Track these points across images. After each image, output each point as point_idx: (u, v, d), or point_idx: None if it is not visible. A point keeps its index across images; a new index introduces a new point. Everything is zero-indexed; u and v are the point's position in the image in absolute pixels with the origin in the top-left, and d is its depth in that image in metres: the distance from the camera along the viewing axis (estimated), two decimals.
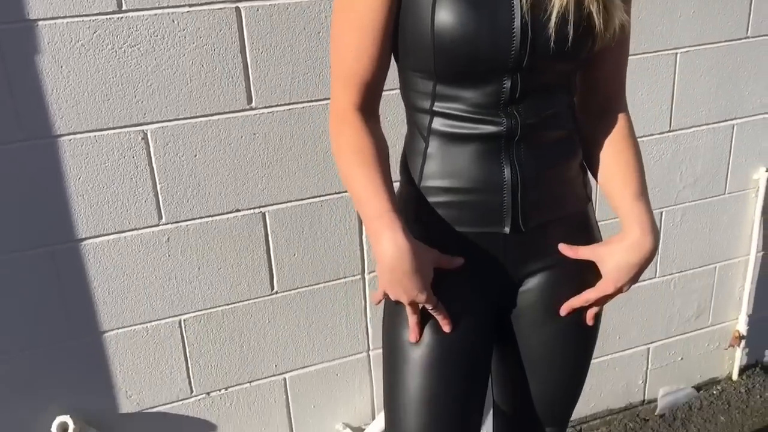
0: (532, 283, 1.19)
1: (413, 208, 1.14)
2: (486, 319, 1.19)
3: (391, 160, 1.74)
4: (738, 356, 2.39)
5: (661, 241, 2.11)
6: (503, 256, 1.15)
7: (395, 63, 1.13)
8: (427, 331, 1.14)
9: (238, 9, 1.50)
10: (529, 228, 1.13)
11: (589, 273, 1.17)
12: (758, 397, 2.36)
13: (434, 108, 1.09)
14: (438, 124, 1.10)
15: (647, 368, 2.27)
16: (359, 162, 1.08)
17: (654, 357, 2.27)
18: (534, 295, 1.19)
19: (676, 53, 1.92)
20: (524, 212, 1.12)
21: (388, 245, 1.03)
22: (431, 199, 1.12)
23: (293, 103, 1.61)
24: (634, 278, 1.15)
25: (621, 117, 1.19)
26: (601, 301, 1.20)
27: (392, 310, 1.18)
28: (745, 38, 1.97)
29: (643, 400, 2.32)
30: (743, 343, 2.36)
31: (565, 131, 1.15)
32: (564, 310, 1.19)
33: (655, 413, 2.32)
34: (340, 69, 1.09)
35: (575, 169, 1.18)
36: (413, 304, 1.09)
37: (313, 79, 1.60)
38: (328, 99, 1.61)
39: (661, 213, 2.08)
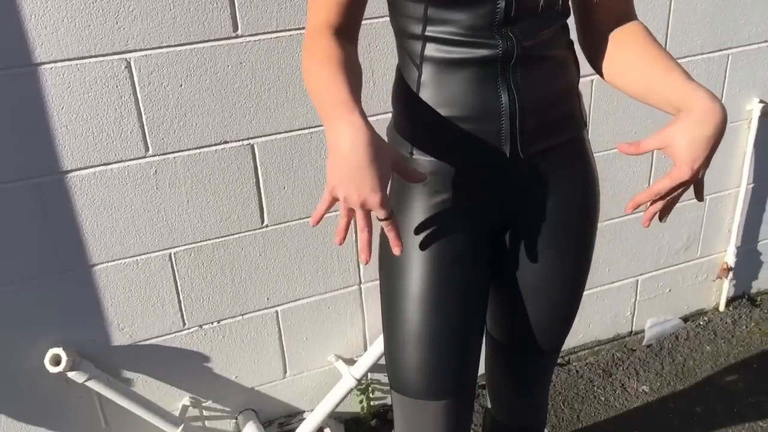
0: (528, 211, 1.18)
1: (408, 139, 1.12)
2: (483, 251, 1.18)
3: (383, 91, 1.71)
4: (725, 288, 2.41)
5: (652, 173, 2.11)
6: (501, 184, 1.13)
7: None
8: (424, 265, 1.13)
9: None
10: (527, 155, 1.11)
11: (589, 199, 1.16)
12: (744, 327, 2.40)
13: (426, 33, 1.06)
14: (431, 50, 1.07)
15: (635, 300, 2.30)
16: (325, 63, 1.00)
17: (642, 289, 2.29)
18: (529, 224, 1.18)
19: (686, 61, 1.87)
20: (523, 138, 1.10)
21: (344, 129, 0.89)
22: (427, 129, 1.10)
23: (281, 31, 1.57)
24: (710, 156, 0.98)
25: (638, 23, 1.13)
26: (675, 192, 1.02)
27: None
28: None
29: (631, 331, 2.35)
30: (731, 274, 2.38)
31: (562, 54, 1.12)
32: (630, 206, 1.03)
33: (642, 344, 2.36)
34: None
35: (572, 93, 1.16)
36: (364, 210, 0.92)
37: (302, 6, 1.56)
38: None
39: None
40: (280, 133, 1.67)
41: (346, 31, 1.07)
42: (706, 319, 2.43)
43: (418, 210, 1.14)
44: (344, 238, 0.96)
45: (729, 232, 2.33)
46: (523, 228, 1.19)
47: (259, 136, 1.65)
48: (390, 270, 1.17)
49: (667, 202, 1.04)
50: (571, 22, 1.14)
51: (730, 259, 2.35)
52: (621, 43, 1.11)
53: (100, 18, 1.42)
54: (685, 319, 2.42)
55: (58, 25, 1.40)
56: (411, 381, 1.17)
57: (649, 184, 2.11)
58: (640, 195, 1.02)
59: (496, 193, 1.14)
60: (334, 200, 0.94)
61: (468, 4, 1.02)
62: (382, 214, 0.93)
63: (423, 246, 1.12)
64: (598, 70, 1.15)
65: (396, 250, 0.98)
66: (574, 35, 1.17)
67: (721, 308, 2.45)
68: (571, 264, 1.22)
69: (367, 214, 0.93)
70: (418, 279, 1.13)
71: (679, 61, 1.94)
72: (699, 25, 1.95)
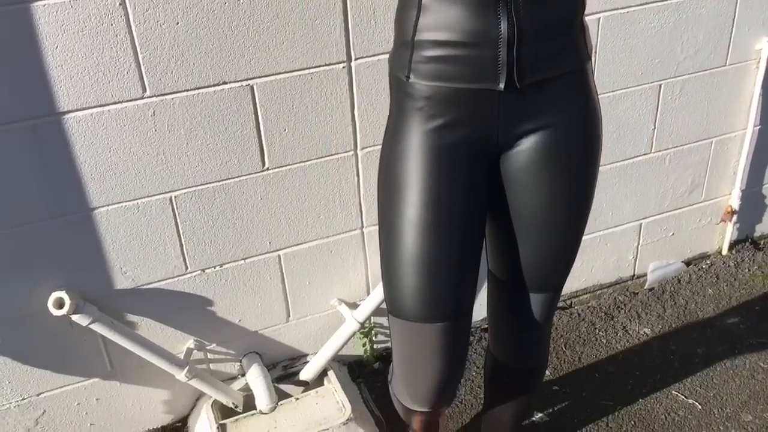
0: (527, 143, 1.16)
1: (406, 63, 1.11)
2: (480, 180, 1.17)
3: (385, 30, 1.67)
4: (729, 231, 2.41)
5: (658, 115, 2.07)
6: (497, 113, 1.12)
7: None
8: (420, 191, 1.12)
9: None
10: (524, 85, 1.09)
11: (590, 131, 1.15)
12: (746, 270, 2.40)
13: None
14: None
15: (638, 244, 2.29)
16: None
17: (645, 232, 2.28)
18: (528, 157, 1.17)
19: None
20: (520, 68, 1.08)
21: None
22: (425, 53, 1.09)
23: None
24: None
25: None
26: None
27: (388, 170, 1.16)
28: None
29: (633, 275, 2.35)
30: (735, 218, 2.37)
31: None
32: None
33: (644, 287, 2.36)
34: None
35: (576, 24, 1.13)
36: None
37: None
38: None
39: (660, 86, 2.03)
40: (279, 73, 1.63)
41: None
42: (708, 262, 2.43)
43: (414, 134, 1.14)
44: None
45: (734, 174, 2.31)
46: (520, 158, 1.18)
47: (259, 77, 1.62)
48: (387, 194, 1.18)
49: None
50: None
51: (735, 202, 2.33)
52: None
53: None
54: (688, 263, 2.42)
55: None
56: (408, 304, 1.17)
57: (654, 126, 2.08)
58: None
59: (493, 120, 1.13)
60: None
61: None
62: None
63: (419, 170, 1.12)
64: None
65: None
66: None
67: (724, 251, 2.45)
68: (572, 198, 1.21)
69: None
70: (414, 202, 1.13)
71: None
72: None
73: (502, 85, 1.08)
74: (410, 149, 1.14)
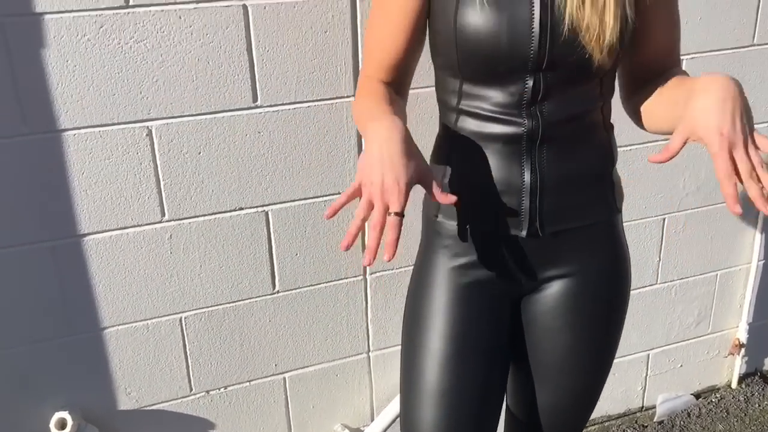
0: (551, 289, 1.18)
1: (435, 204, 1.16)
2: (504, 317, 1.19)
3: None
4: (737, 364, 2.38)
5: (662, 247, 2.11)
6: (521, 259, 1.15)
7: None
8: (444, 324, 1.14)
9: (245, 7, 1.49)
10: (547, 234, 1.13)
11: (611, 283, 1.17)
12: (757, 405, 2.36)
13: (461, 106, 1.11)
14: (463, 122, 1.12)
15: (646, 374, 2.27)
16: (370, 96, 1.09)
17: (653, 363, 2.26)
18: (552, 302, 1.19)
19: (683, 59, 1.91)
20: (543, 218, 1.12)
21: (383, 125, 0.96)
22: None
23: (298, 102, 1.61)
24: (735, 114, 0.93)
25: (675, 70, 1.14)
26: (743, 162, 0.93)
27: (414, 303, 1.18)
28: (752, 46, 1.96)
29: (642, 407, 2.31)
30: (743, 351, 2.35)
31: (594, 135, 1.14)
32: (731, 201, 0.93)
33: (654, 420, 2.31)
34: (370, 53, 1.15)
35: (605, 178, 1.17)
36: (383, 201, 0.92)
37: (319, 78, 1.60)
38: (334, 98, 1.63)
39: (664, 219, 2.07)
40: (294, 200, 1.69)
41: (395, 85, 1.15)
42: (718, 396, 2.39)
43: (440, 270, 1.17)
44: (352, 243, 0.93)
45: (740, 307, 2.32)
46: (543, 302, 1.20)
47: (274, 203, 1.67)
48: (411, 326, 1.20)
49: (754, 175, 0.93)
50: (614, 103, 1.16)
51: (742, 335, 2.33)
52: (653, 89, 1.11)
53: (125, 88, 1.46)
54: (697, 396, 2.38)
55: (84, 93, 1.44)
56: None
57: (660, 258, 2.11)
58: (725, 190, 0.93)
59: (517, 264, 1.16)
60: (356, 192, 0.96)
61: (498, 82, 1.06)
62: (397, 205, 0.93)
63: (443, 304, 1.14)
64: (640, 125, 1.16)
65: (386, 256, 0.92)
66: (615, 118, 1.18)
67: (734, 385, 2.41)
68: (593, 345, 1.22)
69: (385, 209, 0.93)
70: (438, 335, 1.15)
71: None
72: None
73: (524, 233, 1.12)
74: (435, 284, 1.17)
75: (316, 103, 1.62)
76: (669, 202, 2.06)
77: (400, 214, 0.93)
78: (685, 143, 0.97)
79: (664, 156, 0.98)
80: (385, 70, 1.13)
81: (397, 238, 0.93)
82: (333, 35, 1.57)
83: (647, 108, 1.12)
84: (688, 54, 1.90)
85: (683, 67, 1.18)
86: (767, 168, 0.93)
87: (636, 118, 1.17)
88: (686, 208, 2.09)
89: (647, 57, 1.14)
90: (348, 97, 1.64)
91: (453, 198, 0.97)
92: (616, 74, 1.17)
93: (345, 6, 1.56)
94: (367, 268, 1.81)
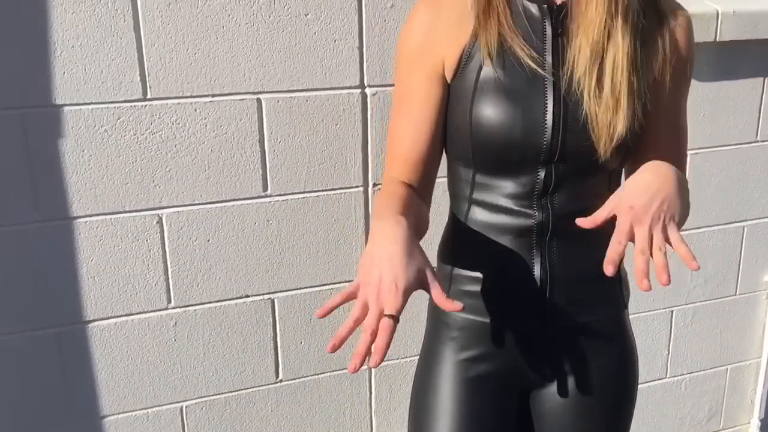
0: (558, 383, 1.17)
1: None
2: (510, 412, 1.18)
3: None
4: None
5: (671, 340, 2.09)
6: (529, 353, 1.15)
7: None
8: (451, 420, 1.13)
9: (259, 100, 1.53)
10: (556, 328, 1.12)
11: (619, 378, 1.16)
12: None
13: (473, 196, 1.13)
14: (475, 213, 1.13)
15: None
16: (388, 196, 1.08)
17: None
18: (559, 398, 1.17)
19: (688, 155, 1.94)
20: (552, 312, 1.11)
21: (386, 225, 0.94)
22: (461, 287, 1.14)
23: (308, 192, 1.63)
24: (653, 196, 0.94)
25: None
26: (641, 238, 0.95)
27: (419, 395, 1.17)
28: (755, 142, 2.00)
29: None
30: None
31: (603, 230, 1.14)
32: (610, 267, 0.95)
33: None
34: (394, 149, 1.15)
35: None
36: (379, 303, 0.89)
37: (329, 169, 1.62)
38: (342, 188, 1.65)
39: (672, 312, 2.06)
40: (301, 288, 1.69)
41: (419, 185, 1.14)
42: None
43: (447, 362, 1.16)
44: (340, 345, 0.88)
45: (752, 403, 2.27)
46: (551, 396, 1.19)
47: (281, 291, 1.67)
48: (417, 419, 1.18)
49: (650, 253, 0.94)
50: None
51: (754, 431, 2.27)
52: None
53: (138, 177, 1.48)
54: None
55: (98, 182, 1.46)
56: None
57: (668, 351, 2.09)
58: (611, 250, 0.95)
59: (524, 358, 1.15)
60: (353, 293, 0.92)
61: (510, 173, 1.08)
62: (392, 308, 0.87)
63: (450, 399, 1.13)
64: None
65: (371, 362, 0.87)
66: None
67: None
68: None
69: (379, 313, 0.88)
70: (445, 415, 1.13)
71: (695, 230, 1.98)
72: (714, 197, 2.00)
73: (533, 327, 1.12)
74: (442, 376, 1.17)
75: (325, 193, 1.64)
76: (676, 295, 2.05)
77: (395, 318, 0.88)
78: (611, 216, 0.98)
79: (587, 223, 1.00)
80: (409, 167, 1.12)
81: (388, 344, 0.87)
82: (344, 127, 1.61)
83: None
84: (692, 149, 1.93)
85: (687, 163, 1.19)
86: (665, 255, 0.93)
87: None
88: (694, 301, 2.08)
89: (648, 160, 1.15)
90: (357, 187, 1.66)
91: (459, 305, 0.93)
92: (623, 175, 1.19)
93: (356, 99, 1.60)
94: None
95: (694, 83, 0.99)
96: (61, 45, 1.37)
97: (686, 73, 1.13)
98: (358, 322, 0.90)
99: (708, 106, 1.91)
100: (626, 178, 1.21)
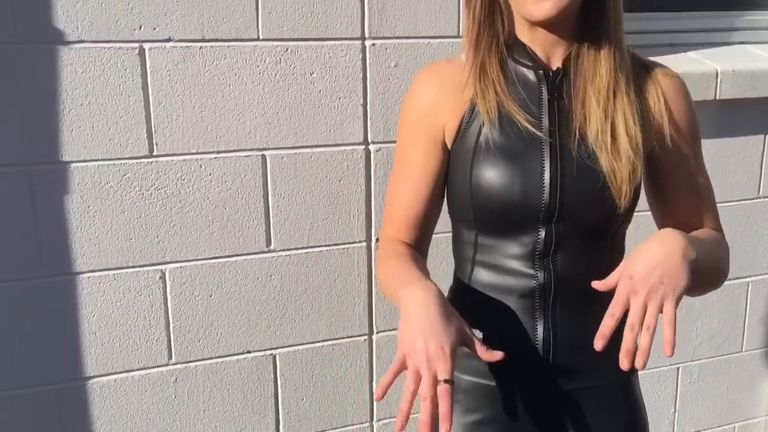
0: None
1: None
2: None
3: None
4: None
5: (678, 397, 2.06)
6: (535, 416, 1.13)
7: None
8: None
9: (264, 156, 1.55)
10: (561, 392, 1.11)
11: None
12: None
13: (476, 258, 1.13)
14: (478, 274, 1.13)
15: None
16: (393, 258, 1.10)
17: None
18: None
19: None
20: (556, 375, 1.10)
21: (417, 291, 0.97)
22: (467, 348, 1.13)
23: (311, 247, 1.63)
24: (654, 267, 0.94)
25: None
26: (634, 313, 0.95)
27: None
28: (757, 198, 2.00)
29: None
30: None
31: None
32: (600, 342, 0.96)
33: None
34: (392, 211, 1.17)
35: (619, 334, 1.17)
36: (431, 369, 0.91)
37: (332, 224, 1.63)
38: (346, 243, 1.66)
39: (678, 369, 2.03)
40: (303, 344, 1.67)
41: (416, 244, 1.16)
42: None
43: (453, 427, 1.13)
44: (405, 422, 0.90)
45: None
46: None
47: (282, 347, 1.66)
48: None
49: (636, 329, 0.94)
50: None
51: None
52: None
53: (142, 232, 1.49)
54: None
55: (102, 238, 1.47)
56: None
57: (675, 408, 2.05)
58: (603, 324, 0.96)
59: (531, 421, 1.13)
60: (402, 366, 0.93)
61: (513, 232, 1.08)
62: (446, 372, 0.90)
63: None
64: None
65: (442, 429, 0.89)
66: None
67: None
68: None
69: (433, 378, 0.90)
70: None
71: None
72: None
73: (538, 390, 1.11)
74: None
75: (328, 248, 1.65)
76: (682, 352, 2.02)
77: (450, 381, 0.91)
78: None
79: (601, 286, 1.00)
80: (408, 228, 1.15)
81: (452, 407, 0.90)
82: (347, 183, 1.62)
83: None
84: None
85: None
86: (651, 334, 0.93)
87: None
88: (700, 358, 2.06)
89: (674, 224, 1.14)
90: (360, 242, 1.66)
91: (499, 354, 0.97)
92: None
93: (359, 156, 1.62)
94: (374, 414, 1.77)
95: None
96: (70, 103, 1.40)
97: (691, 131, 1.15)
98: (414, 393, 0.92)
99: (709, 163, 1.89)
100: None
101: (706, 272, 1.03)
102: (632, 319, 0.95)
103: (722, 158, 1.93)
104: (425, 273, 1.06)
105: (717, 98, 1.82)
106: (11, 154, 1.38)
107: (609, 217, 1.08)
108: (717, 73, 1.81)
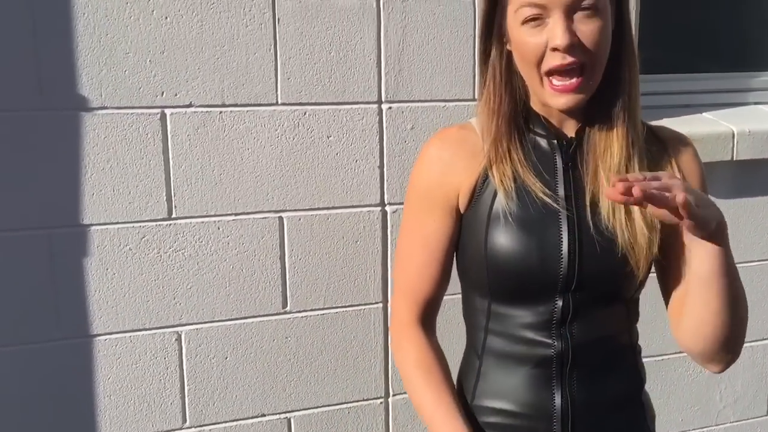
0: None
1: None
2: None
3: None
4: None
5: None
6: None
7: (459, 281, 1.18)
8: None
9: (281, 218, 1.56)
10: None
11: None
12: None
13: (489, 326, 1.11)
14: (492, 343, 1.11)
15: None
16: (426, 381, 1.10)
17: None
18: None
19: None
20: None
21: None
22: (483, 419, 1.11)
23: (327, 308, 1.62)
24: (694, 193, 0.92)
25: None
26: (659, 183, 0.89)
27: None
28: None
29: None
30: None
31: (624, 359, 1.12)
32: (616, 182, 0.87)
33: None
34: (403, 282, 1.15)
35: (635, 399, 1.14)
36: None
37: (348, 286, 1.63)
38: (362, 304, 1.65)
39: None
40: (318, 407, 1.65)
41: (428, 321, 1.15)
42: None
43: None
44: None
45: None
46: None
47: (297, 410, 1.64)
48: None
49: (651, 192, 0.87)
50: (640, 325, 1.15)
51: None
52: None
53: (159, 294, 1.49)
54: None
55: (119, 300, 1.47)
56: None
57: None
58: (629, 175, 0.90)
59: None
60: None
61: (527, 302, 1.07)
62: None
63: None
64: (697, 347, 1.09)
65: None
66: (642, 342, 1.17)
67: None
68: None
69: None
70: None
71: None
72: None
73: None
74: None
75: (344, 309, 1.64)
76: (706, 416, 1.97)
77: None
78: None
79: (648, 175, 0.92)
80: (420, 305, 1.14)
81: None
82: (363, 245, 1.62)
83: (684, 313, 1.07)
84: None
85: None
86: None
87: (690, 341, 1.09)
88: (724, 422, 2.00)
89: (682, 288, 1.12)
90: (376, 303, 1.65)
91: None
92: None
93: (376, 217, 1.62)
94: None
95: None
96: (92, 167, 1.42)
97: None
98: None
99: (729, 223, 1.89)
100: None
101: (732, 282, 1.03)
102: (654, 182, 0.88)
103: (741, 218, 1.91)
104: (454, 401, 1.08)
105: (734, 159, 1.82)
106: (32, 217, 1.40)
107: (627, 287, 1.07)
108: (733, 135, 1.81)
